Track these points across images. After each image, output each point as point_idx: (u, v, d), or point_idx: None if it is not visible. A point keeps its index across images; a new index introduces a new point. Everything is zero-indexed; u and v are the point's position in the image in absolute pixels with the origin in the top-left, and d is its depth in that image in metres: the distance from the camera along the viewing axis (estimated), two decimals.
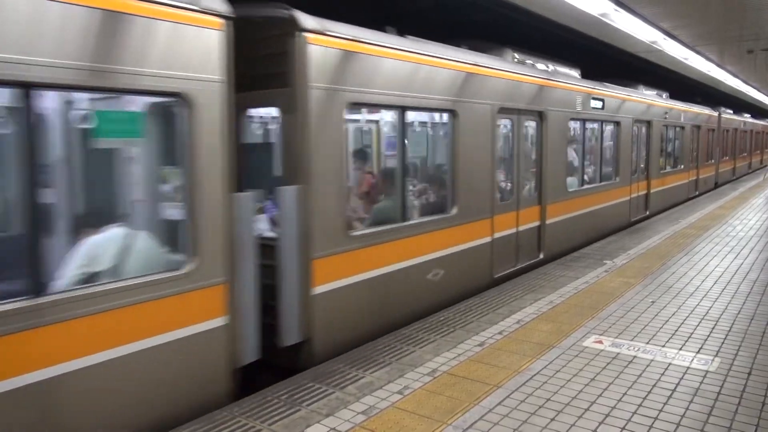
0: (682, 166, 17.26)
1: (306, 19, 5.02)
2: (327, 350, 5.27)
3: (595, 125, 11.50)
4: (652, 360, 4.95)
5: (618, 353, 5.12)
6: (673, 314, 6.19)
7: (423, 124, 7.73)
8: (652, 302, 6.63)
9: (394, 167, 6.58)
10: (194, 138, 4.14)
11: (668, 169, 16.04)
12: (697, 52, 13.54)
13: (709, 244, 10.16)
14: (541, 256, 8.99)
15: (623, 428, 3.81)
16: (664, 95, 15.66)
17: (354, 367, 4.84)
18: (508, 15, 8.59)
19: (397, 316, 6.11)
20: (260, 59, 5.26)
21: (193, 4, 4.09)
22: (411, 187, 6.98)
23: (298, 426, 3.87)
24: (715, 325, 5.85)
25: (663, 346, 5.27)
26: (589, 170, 11.34)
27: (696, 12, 9.72)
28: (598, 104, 10.96)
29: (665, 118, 15.18)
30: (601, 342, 5.40)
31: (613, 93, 11.76)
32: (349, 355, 5.14)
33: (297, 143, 5.10)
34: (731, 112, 24.80)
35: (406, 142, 6.43)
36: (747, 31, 11.44)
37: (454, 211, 6.99)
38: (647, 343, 5.37)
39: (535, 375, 4.65)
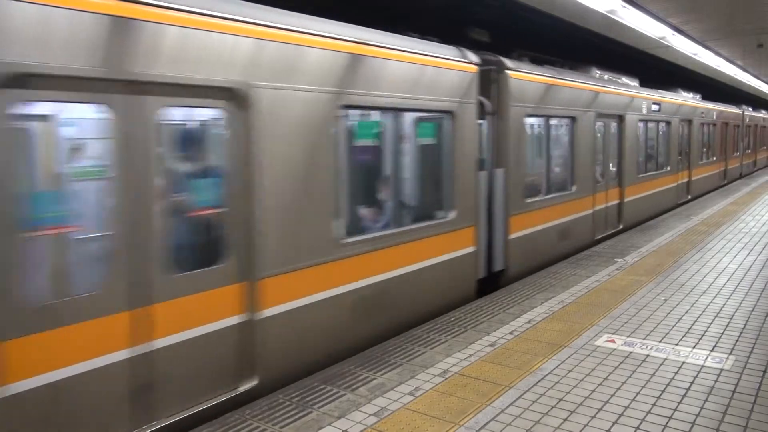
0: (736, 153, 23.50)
1: (508, 62, 7.66)
2: (515, 276, 7.82)
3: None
4: (665, 359, 4.91)
5: (631, 352, 5.08)
6: (686, 312, 6.14)
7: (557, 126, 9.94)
8: (665, 300, 6.58)
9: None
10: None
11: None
12: (707, 48, 13.42)
13: (721, 240, 10.07)
14: (621, 226, 11.62)
15: (637, 428, 3.78)
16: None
17: (365, 369, 4.83)
18: (514, 12, 8.56)
19: (556, 254, 8.97)
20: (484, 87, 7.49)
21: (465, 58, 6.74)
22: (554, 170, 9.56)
23: (309, 428, 3.87)
24: (729, 322, 5.79)
25: (676, 345, 5.22)
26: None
27: (705, 7, 9.65)
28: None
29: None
30: (613, 341, 5.36)
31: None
32: (360, 356, 5.14)
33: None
34: None
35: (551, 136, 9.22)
36: (756, 25, 11.33)
37: (574, 188, 9.51)
38: (660, 341, 5.32)
39: (547, 375, 4.63)
